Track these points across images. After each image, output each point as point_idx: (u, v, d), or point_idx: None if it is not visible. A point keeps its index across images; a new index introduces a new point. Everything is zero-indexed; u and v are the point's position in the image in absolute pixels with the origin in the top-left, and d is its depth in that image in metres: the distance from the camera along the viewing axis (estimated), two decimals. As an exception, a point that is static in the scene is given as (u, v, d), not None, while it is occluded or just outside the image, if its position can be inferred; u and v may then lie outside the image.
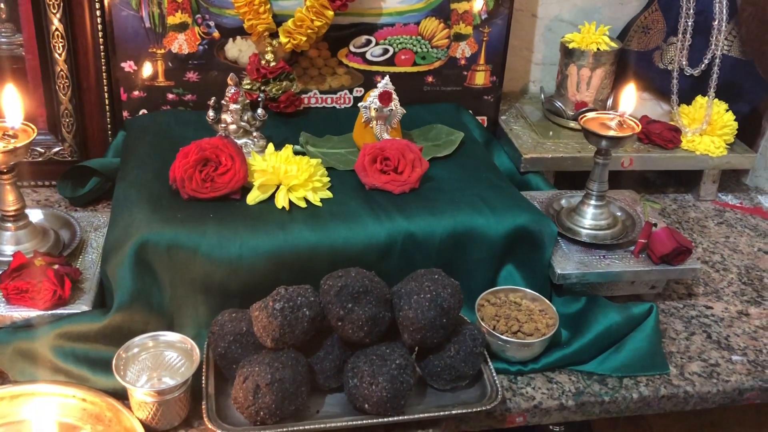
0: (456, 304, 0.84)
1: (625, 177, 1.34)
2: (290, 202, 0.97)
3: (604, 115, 1.04)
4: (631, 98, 1.04)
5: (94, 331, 0.86)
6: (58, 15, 1.10)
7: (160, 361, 0.85)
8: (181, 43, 1.18)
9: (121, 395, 0.83)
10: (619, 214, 1.10)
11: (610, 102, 1.32)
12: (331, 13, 1.14)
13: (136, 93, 1.20)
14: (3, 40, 1.15)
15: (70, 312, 0.87)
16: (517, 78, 1.48)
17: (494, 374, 0.88)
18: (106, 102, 1.18)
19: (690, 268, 1.03)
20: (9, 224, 0.93)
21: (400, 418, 0.82)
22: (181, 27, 1.16)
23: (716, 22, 1.25)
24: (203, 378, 0.83)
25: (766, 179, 1.39)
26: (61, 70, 1.13)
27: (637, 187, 1.31)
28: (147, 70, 1.18)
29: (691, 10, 1.25)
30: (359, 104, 1.08)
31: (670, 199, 1.35)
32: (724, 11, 1.24)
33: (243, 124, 1.03)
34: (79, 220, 1.01)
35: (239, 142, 1.04)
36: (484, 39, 1.27)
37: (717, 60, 1.26)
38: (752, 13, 1.26)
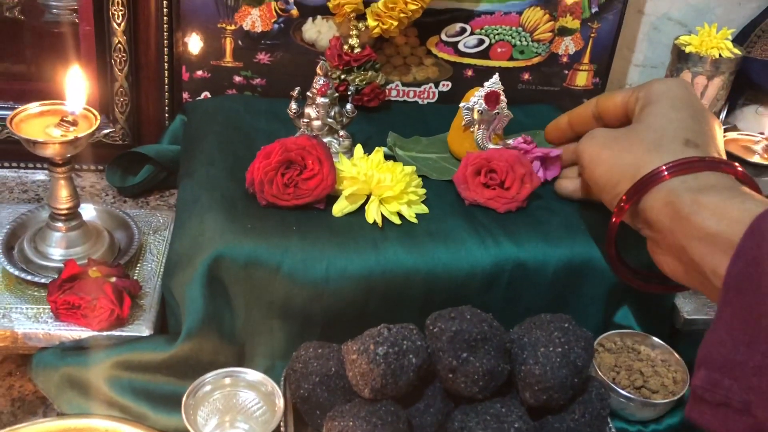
0: (589, 361, 0.71)
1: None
2: (382, 216, 0.84)
3: (746, 137, 0.90)
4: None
5: (157, 361, 0.73)
6: (119, -21, 0.96)
7: (233, 403, 0.72)
8: (254, 20, 1.03)
9: (184, 438, 0.70)
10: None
11: (723, 115, 1.17)
12: (428, -4, 1.00)
13: (199, 73, 1.06)
14: (55, 2, 1.01)
15: (129, 335, 0.74)
16: (613, 79, 1.33)
17: (617, 439, 0.75)
18: (166, 81, 1.04)
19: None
20: (59, 224, 0.79)
21: (515, 490, 0.69)
22: (257, 1, 1.02)
23: None
24: (282, 424, 0.71)
25: None
26: (119, 42, 0.99)
27: None
28: (214, 47, 1.04)
29: (831, 18, 1.11)
30: (461, 104, 0.94)
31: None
32: None
33: (330, 121, 0.89)
34: (136, 219, 0.88)
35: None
36: (592, 35, 1.12)
37: None
38: None
